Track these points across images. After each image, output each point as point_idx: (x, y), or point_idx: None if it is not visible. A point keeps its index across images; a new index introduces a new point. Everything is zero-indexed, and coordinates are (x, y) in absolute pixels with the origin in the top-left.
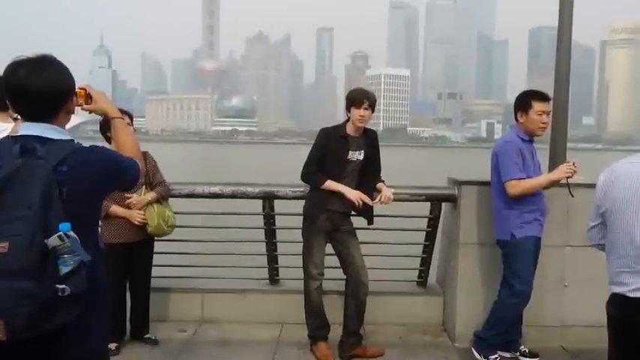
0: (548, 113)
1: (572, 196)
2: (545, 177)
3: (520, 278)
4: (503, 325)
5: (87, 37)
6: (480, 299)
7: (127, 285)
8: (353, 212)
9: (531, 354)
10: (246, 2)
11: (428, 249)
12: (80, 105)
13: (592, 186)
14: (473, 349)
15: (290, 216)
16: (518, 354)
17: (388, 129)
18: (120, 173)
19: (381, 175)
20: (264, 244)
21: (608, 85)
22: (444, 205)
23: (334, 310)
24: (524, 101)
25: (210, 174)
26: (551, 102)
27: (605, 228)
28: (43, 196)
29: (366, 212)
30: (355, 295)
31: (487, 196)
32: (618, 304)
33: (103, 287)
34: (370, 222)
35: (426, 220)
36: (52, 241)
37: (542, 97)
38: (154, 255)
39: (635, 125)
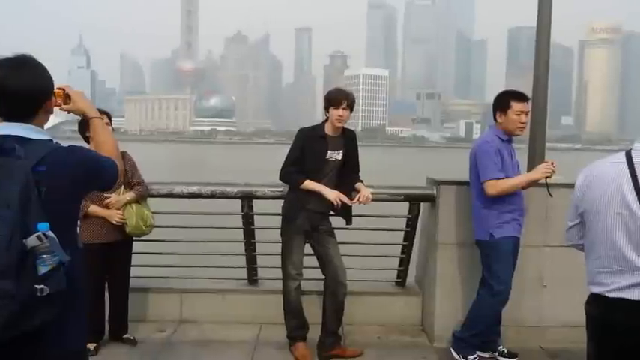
0: (526, 113)
1: (551, 196)
2: (523, 177)
3: (499, 278)
4: (481, 325)
5: (65, 36)
6: (459, 299)
7: (106, 285)
8: (331, 212)
9: (510, 354)
10: (224, 2)
11: (406, 249)
12: (59, 105)
13: (571, 186)
14: (452, 349)
15: (269, 216)
16: (496, 354)
17: (367, 129)
18: (99, 173)
19: (360, 175)
20: (243, 244)
21: (586, 85)
22: (422, 205)
23: (313, 310)
24: (503, 101)
25: (188, 174)
26: (530, 102)
27: (584, 228)
28: (21, 196)
29: (345, 212)
30: (334, 295)
31: (466, 196)
32: (597, 304)
33: (81, 287)
34: (349, 222)
35: (405, 220)
36: (31, 241)
37: (520, 97)
38: (133, 255)
39: (614, 125)
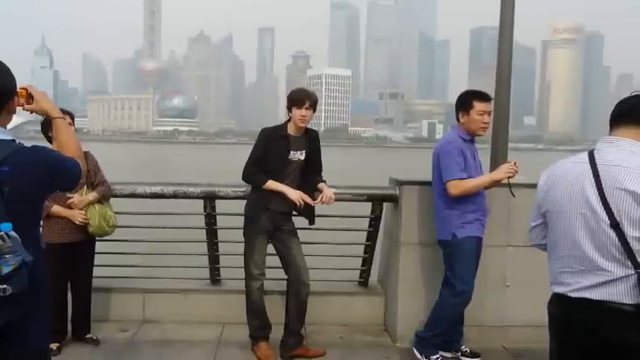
0: (489, 113)
1: (514, 196)
2: (486, 177)
3: (461, 278)
4: (444, 325)
5: (28, 36)
6: (422, 299)
7: (69, 285)
8: (294, 212)
9: (473, 354)
10: (187, 2)
11: (369, 249)
12: (21, 105)
13: (533, 186)
14: (414, 349)
15: (231, 216)
16: (459, 354)
17: (329, 129)
18: (61, 173)
19: (323, 174)
20: (206, 244)
21: (549, 85)
22: (385, 205)
23: (276, 310)
24: (466, 101)
25: (151, 174)
26: (493, 102)
27: (547, 228)
28: None
29: (308, 212)
30: (296, 295)
31: (428, 196)
32: (559, 304)
33: (44, 287)
34: (311, 222)
35: (368, 220)
36: None
37: (483, 97)
38: (96, 255)
39: (577, 125)
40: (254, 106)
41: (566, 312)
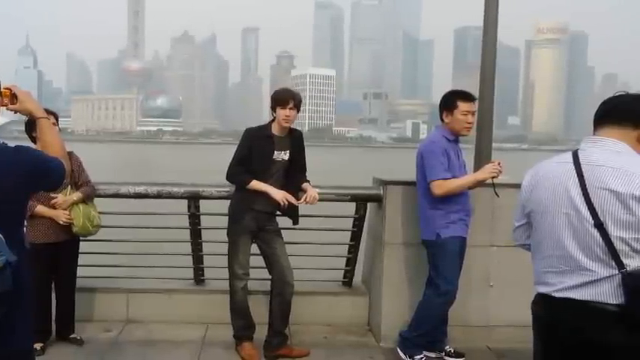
0: (473, 113)
1: (498, 196)
2: (470, 177)
3: (445, 278)
4: (428, 325)
5: (12, 36)
6: (406, 299)
7: (53, 285)
8: (278, 212)
9: (457, 354)
10: (171, 2)
11: (353, 249)
12: (5, 105)
13: (517, 186)
14: (398, 349)
15: (215, 216)
16: (443, 354)
17: (313, 129)
18: (45, 173)
19: (307, 174)
20: (190, 244)
21: (533, 85)
22: (369, 205)
23: (260, 310)
24: (450, 101)
25: (135, 174)
26: (477, 102)
27: (531, 228)
28: None
29: (292, 212)
30: (281, 295)
31: (412, 196)
32: (543, 304)
33: (28, 287)
34: (295, 222)
35: (352, 220)
36: None
37: (467, 97)
38: (80, 255)
39: (561, 125)
40: (238, 106)
41: (550, 312)
